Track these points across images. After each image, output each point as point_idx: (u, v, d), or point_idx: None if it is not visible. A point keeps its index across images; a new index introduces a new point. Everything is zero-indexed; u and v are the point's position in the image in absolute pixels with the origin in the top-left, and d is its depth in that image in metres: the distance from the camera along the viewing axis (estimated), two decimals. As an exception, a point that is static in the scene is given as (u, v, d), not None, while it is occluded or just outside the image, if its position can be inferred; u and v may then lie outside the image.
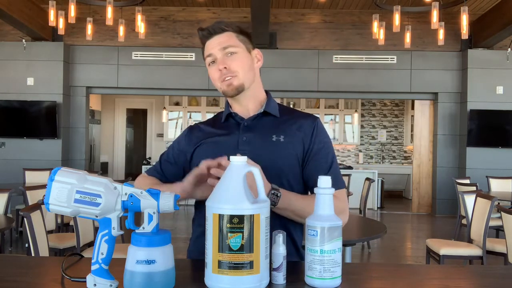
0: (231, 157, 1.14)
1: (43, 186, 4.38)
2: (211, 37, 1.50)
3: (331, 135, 11.97)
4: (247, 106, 1.54)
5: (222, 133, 1.53)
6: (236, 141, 1.48)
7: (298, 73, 8.85)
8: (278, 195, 1.34)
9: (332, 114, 12.05)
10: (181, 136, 1.63)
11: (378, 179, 9.66)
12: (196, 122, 1.68)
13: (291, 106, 11.68)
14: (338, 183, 1.42)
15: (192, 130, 1.62)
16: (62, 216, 4.77)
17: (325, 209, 1.13)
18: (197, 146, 1.54)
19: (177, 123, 11.95)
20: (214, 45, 1.49)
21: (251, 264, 1.06)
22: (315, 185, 1.45)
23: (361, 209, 6.19)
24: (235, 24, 1.53)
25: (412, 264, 3.71)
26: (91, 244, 3.71)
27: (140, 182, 1.57)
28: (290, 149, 1.46)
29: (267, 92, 1.60)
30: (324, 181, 1.15)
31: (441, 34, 6.80)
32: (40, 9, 8.19)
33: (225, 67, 1.46)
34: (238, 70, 1.48)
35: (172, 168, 1.58)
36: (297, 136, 1.48)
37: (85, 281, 1.07)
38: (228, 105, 1.59)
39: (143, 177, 1.60)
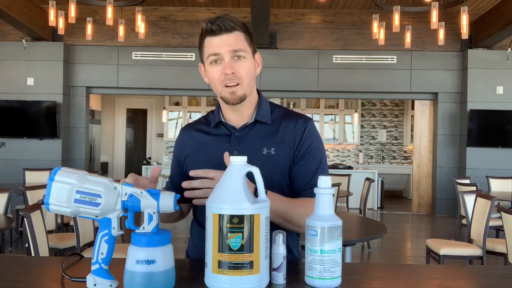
0: (231, 157, 1.14)
1: (43, 186, 4.38)
2: (220, 34, 1.39)
3: (331, 135, 11.97)
4: (242, 112, 1.49)
5: (212, 144, 1.49)
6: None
7: (298, 73, 8.85)
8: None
9: (332, 114, 12.05)
10: (176, 145, 1.60)
11: (378, 179, 9.66)
12: (186, 125, 1.62)
13: (291, 106, 11.69)
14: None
15: (182, 137, 1.58)
16: (62, 216, 4.77)
17: (325, 209, 1.13)
18: (189, 158, 1.52)
19: (177, 123, 11.95)
20: (223, 44, 1.39)
21: (251, 264, 1.06)
22: (298, 188, 1.46)
23: (361, 209, 6.19)
24: (240, 21, 1.43)
25: (412, 264, 3.71)
26: (91, 244, 3.71)
27: None
28: (281, 162, 1.44)
29: (258, 92, 1.54)
30: (324, 181, 1.15)
31: (441, 34, 6.80)
32: (40, 9, 8.19)
33: (232, 73, 1.39)
34: (244, 78, 1.41)
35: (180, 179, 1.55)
36: (287, 144, 1.46)
37: (85, 281, 1.07)
38: (219, 109, 1.52)
39: None
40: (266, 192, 1.31)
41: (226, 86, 1.41)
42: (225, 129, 1.50)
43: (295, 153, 1.46)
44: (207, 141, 1.50)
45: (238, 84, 1.41)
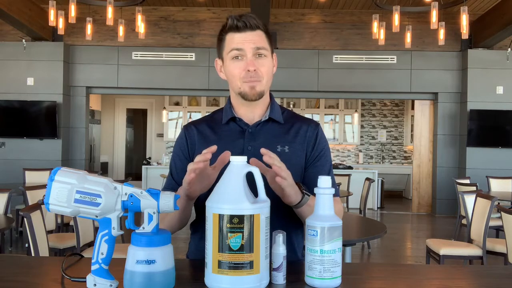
0: (231, 157, 1.14)
1: (43, 186, 4.38)
2: (244, 31, 1.42)
3: (331, 135, 11.97)
4: (255, 110, 1.50)
5: (224, 141, 1.47)
6: (241, 151, 1.45)
7: (298, 73, 8.85)
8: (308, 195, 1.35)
9: (332, 114, 12.05)
10: (181, 141, 1.54)
11: (378, 179, 9.66)
12: (190, 122, 1.59)
13: (291, 106, 11.69)
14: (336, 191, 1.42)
15: (189, 132, 1.53)
16: (62, 216, 4.76)
17: (325, 209, 1.13)
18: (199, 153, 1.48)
19: (177, 123, 11.96)
20: (247, 41, 1.41)
21: (251, 264, 1.06)
22: (314, 189, 1.45)
23: (361, 209, 6.19)
24: (261, 21, 1.46)
25: (412, 264, 3.72)
26: (91, 244, 3.71)
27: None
28: (294, 160, 1.46)
29: (270, 93, 1.57)
30: (324, 181, 1.15)
31: (441, 34, 6.80)
32: (40, 9, 8.19)
33: (254, 70, 1.41)
34: (264, 76, 1.44)
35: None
36: (300, 145, 1.49)
37: (85, 281, 1.07)
38: (230, 106, 1.52)
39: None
40: (304, 196, 1.32)
41: (246, 82, 1.43)
42: (237, 126, 1.50)
43: (310, 154, 1.50)
44: (219, 138, 1.49)
45: (259, 81, 1.43)
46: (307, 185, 1.47)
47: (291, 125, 1.52)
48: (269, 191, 1.14)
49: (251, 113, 1.50)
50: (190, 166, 1.22)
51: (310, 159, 1.50)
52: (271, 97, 1.57)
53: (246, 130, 1.48)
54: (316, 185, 1.42)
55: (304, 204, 1.33)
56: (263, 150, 1.22)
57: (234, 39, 1.43)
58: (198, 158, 1.21)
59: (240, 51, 1.42)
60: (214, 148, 1.22)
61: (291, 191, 1.28)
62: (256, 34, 1.43)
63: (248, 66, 1.41)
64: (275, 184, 1.26)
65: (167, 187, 1.53)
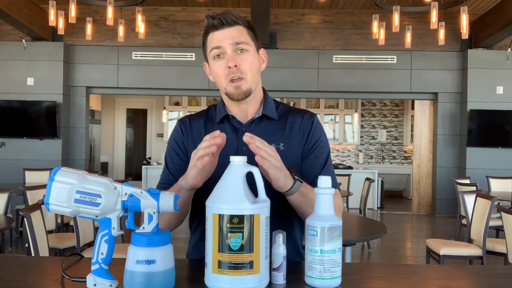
0: (231, 157, 1.14)
1: (43, 186, 4.38)
2: (222, 28, 1.39)
3: (331, 135, 11.98)
4: (247, 109, 1.46)
5: None
6: (235, 150, 1.42)
7: (298, 73, 8.85)
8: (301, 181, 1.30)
9: (332, 114, 12.06)
10: (176, 134, 1.51)
11: (378, 179, 9.66)
12: (185, 116, 1.56)
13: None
14: (333, 183, 1.39)
15: (185, 126, 1.51)
16: (62, 216, 4.76)
17: (325, 209, 1.13)
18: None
19: (177, 123, 11.96)
20: (225, 37, 1.38)
21: (251, 264, 1.05)
22: (311, 181, 1.41)
23: (361, 209, 6.19)
24: (242, 17, 1.42)
25: (412, 264, 3.72)
26: (91, 244, 3.71)
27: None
28: (290, 157, 1.42)
29: (263, 89, 1.53)
30: (324, 181, 1.14)
31: (441, 34, 6.80)
32: (40, 9, 8.19)
33: (235, 65, 1.36)
34: (248, 72, 1.39)
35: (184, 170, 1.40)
36: (296, 140, 1.45)
37: (85, 281, 1.07)
38: (223, 104, 1.49)
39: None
40: (295, 182, 1.27)
41: (231, 81, 1.39)
42: (231, 124, 1.47)
43: (305, 147, 1.46)
44: None
45: (242, 79, 1.39)
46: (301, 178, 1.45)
47: (286, 120, 1.48)
48: (269, 191, 1.14)
49: (244, 111, 1.47)
50: (201, 152, 1.20)
51: (304, 151, 1.46)
52: (265, 92, 1.52)
53: (239, 129, 1.45)
54: (310, 179, 1.39)
55: (296, 192, 1.28)
56: (245, 136, 1.18)
57: (213, 38, 1.40)
58: (206, 143, 1.20)
59: (220, 49, 1.39)
60: (217, 133, 1.21)
61: (278, 175, 1.21)
62: (235, 29, 1.39)
63: (228, 63, 1.37)
64: (263, 169, 1.21)
65: (164, 182, 1.49)
